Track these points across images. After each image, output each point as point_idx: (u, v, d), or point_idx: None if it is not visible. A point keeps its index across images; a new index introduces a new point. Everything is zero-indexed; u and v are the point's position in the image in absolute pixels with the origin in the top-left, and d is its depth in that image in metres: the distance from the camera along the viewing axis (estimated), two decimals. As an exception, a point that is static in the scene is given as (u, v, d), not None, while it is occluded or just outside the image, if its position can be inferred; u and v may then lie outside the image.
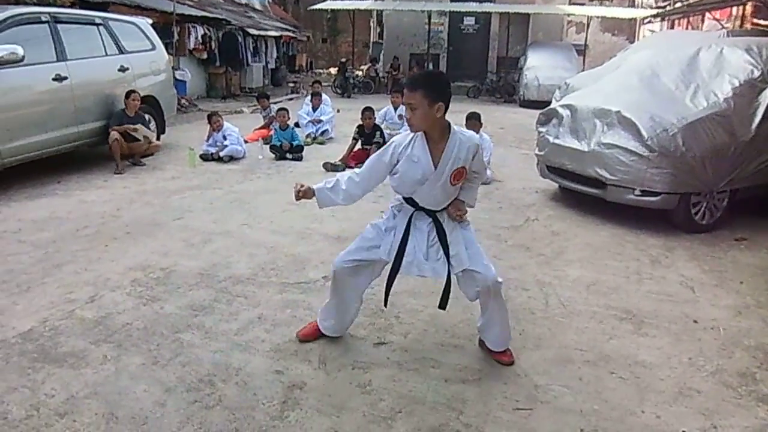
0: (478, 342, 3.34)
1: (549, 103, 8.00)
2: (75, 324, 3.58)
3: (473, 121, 7.64)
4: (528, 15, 21.10)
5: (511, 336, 3.26)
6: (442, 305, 3.05)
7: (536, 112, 8.79)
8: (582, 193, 6.11)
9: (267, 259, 4.64)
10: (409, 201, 3.00)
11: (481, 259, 2.97)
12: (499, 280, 2.97)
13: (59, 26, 7.32)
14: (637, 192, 5.50)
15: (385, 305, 3.23)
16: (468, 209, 3.09)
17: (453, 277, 3.00)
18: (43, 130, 6.94)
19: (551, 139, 6.36)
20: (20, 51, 6.37)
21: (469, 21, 22.32)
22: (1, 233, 5.29)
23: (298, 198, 3.01)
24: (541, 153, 6.59)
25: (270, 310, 3.76)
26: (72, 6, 11.13)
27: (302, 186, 3.00)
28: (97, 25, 8.12)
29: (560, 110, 6.38)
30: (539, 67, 17.66)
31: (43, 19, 7.20)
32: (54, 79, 7.04)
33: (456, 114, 14.56)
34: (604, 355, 3.31)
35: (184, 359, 3.18)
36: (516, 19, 20.77)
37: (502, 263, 4.66)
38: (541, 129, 6.66)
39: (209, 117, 8.88)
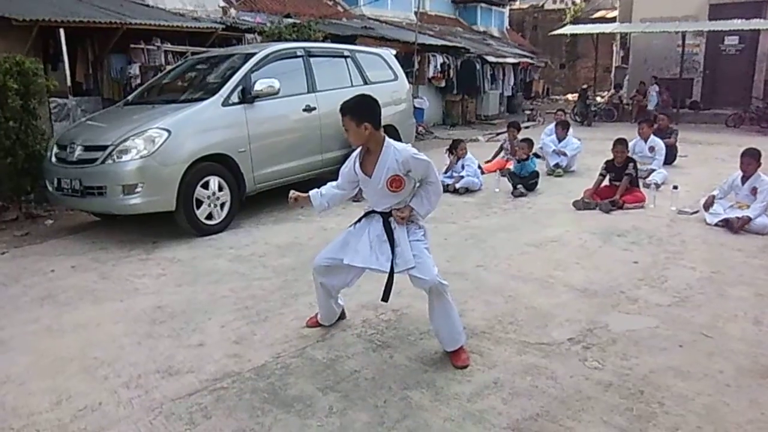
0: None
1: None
2: (305, 364, 3.49)
3: (749, 158, 6.32)
4: (810, 30, 18.15)
5: (464, 336, 3.46)
6: (384, 298, 3.38)
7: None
8: None
9: (505, 309, 4.19)
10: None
11: (425, 265, 3.28)
12: (443, 281, 3.30)
13: (311, 60, 7.72)
14: None
15: (385, 299, 3.39)
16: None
17: (405, 275, 3.33)
18: (292, 157, 7.29)
19: None
20: (276, 84, 6.76)
21: (731, 41, 19.82)
22: (250, 256, 5.56)
23: (293, 205, 3.73)
24: None
25: (507, 374, 3.31)
26: (324, 40, 11.85)
27: (295, 194, 3.70)
28: (345, 57, 8.44)
29: None
30: (824, 91, 15.00)
31: (299, 53, 7.65)
32: (304, 110, 7.38)
33: (714, 146, 12.81)
34: None
35: (412, 424, 2.87)
36: (793, 35, 18.01)
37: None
38: None
39: (454, 144, 8.63)
